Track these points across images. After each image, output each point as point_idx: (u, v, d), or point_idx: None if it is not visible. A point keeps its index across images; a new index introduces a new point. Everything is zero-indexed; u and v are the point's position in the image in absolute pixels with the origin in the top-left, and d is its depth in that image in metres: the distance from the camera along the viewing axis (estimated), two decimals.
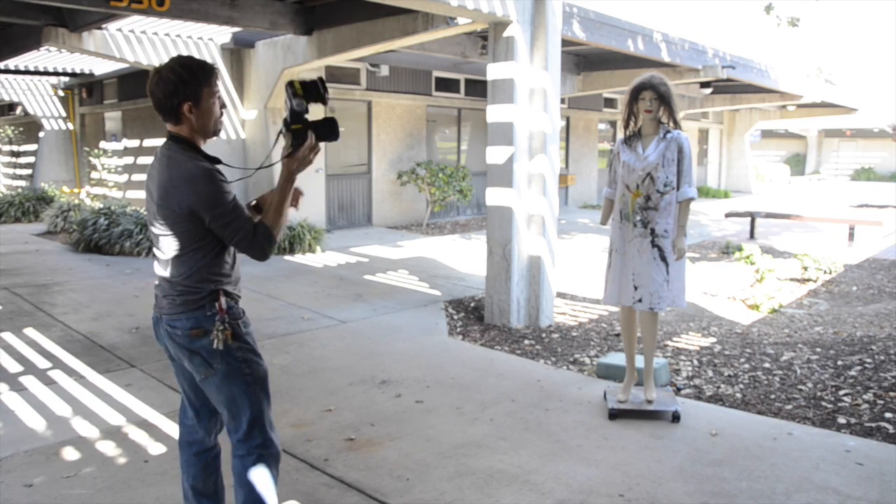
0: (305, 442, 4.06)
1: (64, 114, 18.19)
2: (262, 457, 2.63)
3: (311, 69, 11.41)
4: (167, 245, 2.51)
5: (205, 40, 11.13)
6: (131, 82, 15.27)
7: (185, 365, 2.64)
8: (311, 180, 12.99)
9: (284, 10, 9.43)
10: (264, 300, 7.59)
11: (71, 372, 5.24)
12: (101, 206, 11.56)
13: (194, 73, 2.45)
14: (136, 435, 4.13)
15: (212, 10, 8.61)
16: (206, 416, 2.79)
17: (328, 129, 2.57)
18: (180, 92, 2.43)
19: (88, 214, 10.99)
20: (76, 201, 14.03)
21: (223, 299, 2.54)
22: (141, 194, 14.30)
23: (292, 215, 11.89)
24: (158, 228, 2.51)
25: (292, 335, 6.31)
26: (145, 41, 10.54)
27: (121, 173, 15.73)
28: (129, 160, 15.63)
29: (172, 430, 4.19)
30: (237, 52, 11.53)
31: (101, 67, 15.10)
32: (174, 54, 10.46)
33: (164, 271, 2.57)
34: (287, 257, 10.34)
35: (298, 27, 9.66)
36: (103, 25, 9.83)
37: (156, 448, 3.96)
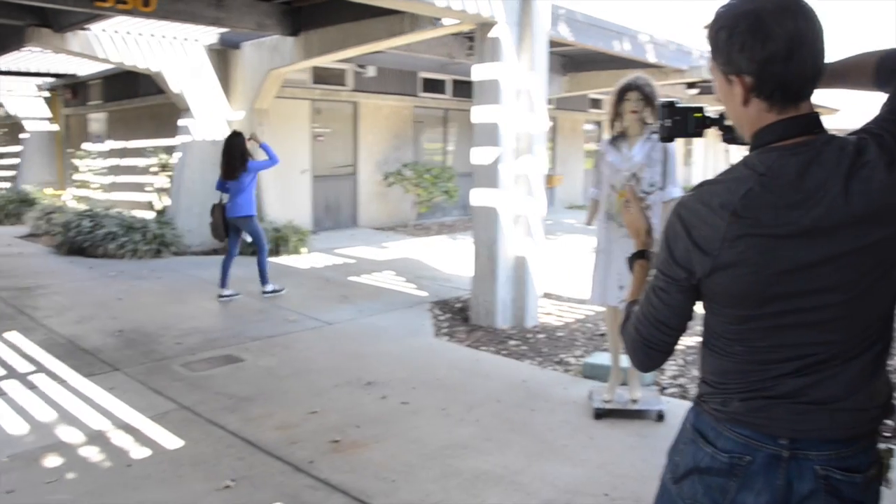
0: (290, 444, 4.03)
1: (48, 115, 18.04)
2: None
3: (298, 69, 11.38)
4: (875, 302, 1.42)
5: (191, 41, 11.06)
6: (117, 83, 15.15)
7: None
8: (296, 181, 12.97)
9: (271, 10, 9.40)
10: (249, 302, 7.55)
11: (54, 376, 5.19)
12: (85, 207, 11.48)
13: None
14: (120, 439, 4.10)
15: (198, 11, 8.57)
16: None
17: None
18: None
19: (72, 216, 10.90)
20: (60, 203, 13.92)
21: None
22: (125, 195, 14.19)
23: (278, 215, 11.66)
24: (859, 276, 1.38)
25: (278, 337, 6.28)
26: (130, 42, 10.46)
27: (105, 175, 15.61)
28: (113, 162, 15.51)
29: (156, 433, 4.16)
30: (224, 53, 11.47)
31: (85, 68, 14.97)
32: (160, 55, 10.40)
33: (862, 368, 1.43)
34: (272, 259, 10.30)
35: (285, 28, 9.63)
36: (87, 26, 9.74)
37: (139, 452, 3.93)
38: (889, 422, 1.46)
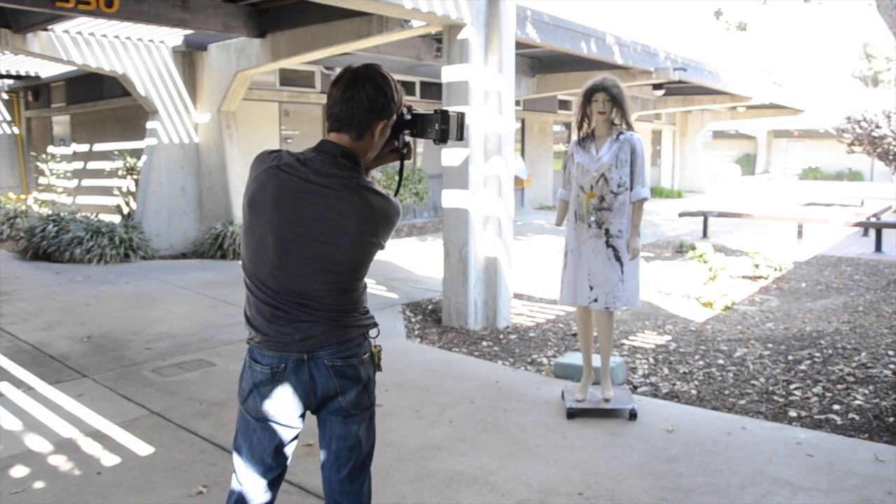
0: None
1: (8, 118, 17.69)
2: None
3: (266, 71, 11.32)
4: (347, 270, 2.18)
5: (156, 43, 10.94)
6: (80, 85, 14.92)
7: (330, 404, 2.19)
8: None
9: (237, 12, 9.32)
10: (220, 306, 7.48)
11: (19, 384, 5.09)
12: (50, 212, 11.29)
13: (397, 92, 2.26)
14: (89, 447, 4.04)
15: (163, 13, 8.47)
16: (276, 484, 2.28)
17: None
18: (384, 108, 2.22)
19: (36, 221, 10.71)
20: (23, 208, 13.67)
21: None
22: (92, 200, 14.00)
23: None
24: (333, 254, 2.12)
25: None
26: (94, 43, 10.31)
27: (70, 179, 15.37)
28: (78, 165, 15.28)
29: (126, 440, 4.11)
30: (189, 55, 11.36)
31: (47, 70, 14.72)
32: (125, 56, 10.22)
33: (331, 298, 2.15)
34: (224, 261, 10.20)
35: (252, 30, 9.56)
36: (49, 27, 9.59)
37: (109, 459, 3.87)
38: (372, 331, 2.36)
